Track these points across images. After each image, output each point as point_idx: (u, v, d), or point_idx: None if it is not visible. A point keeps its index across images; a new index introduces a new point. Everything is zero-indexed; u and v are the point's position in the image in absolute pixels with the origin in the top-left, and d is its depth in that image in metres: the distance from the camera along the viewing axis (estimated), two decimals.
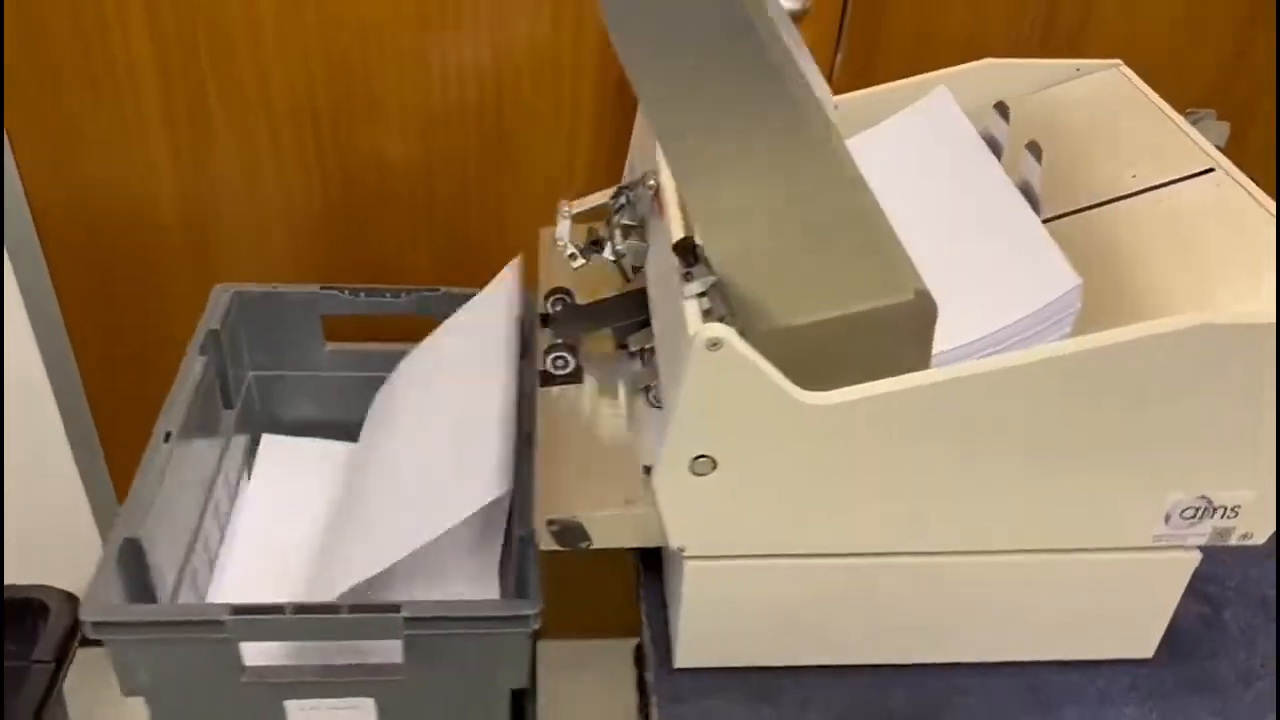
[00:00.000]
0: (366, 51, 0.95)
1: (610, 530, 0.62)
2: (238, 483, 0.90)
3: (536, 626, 0.65)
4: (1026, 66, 0.81)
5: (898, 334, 0.57)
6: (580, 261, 0.71)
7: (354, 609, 0.64)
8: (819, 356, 0.58)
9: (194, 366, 0.81)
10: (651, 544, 0.62)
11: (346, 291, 0.90)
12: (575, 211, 0.70)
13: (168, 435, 0.75)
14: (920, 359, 0.57)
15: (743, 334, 0.57)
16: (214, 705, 0.68)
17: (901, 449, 0.58)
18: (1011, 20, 0.99)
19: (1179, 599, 0.67)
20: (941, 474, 0.59)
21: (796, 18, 0.96)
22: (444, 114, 0.99)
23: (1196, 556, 0.65)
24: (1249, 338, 0.54)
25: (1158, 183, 0.70)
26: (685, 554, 0.62)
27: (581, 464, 0.65)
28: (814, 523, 0.61)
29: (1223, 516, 0.62)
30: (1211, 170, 0.68)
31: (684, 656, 0.68)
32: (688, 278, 0.56)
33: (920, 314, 0.56)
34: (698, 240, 0.56)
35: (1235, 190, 0.65)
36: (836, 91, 0.80)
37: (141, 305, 1.09)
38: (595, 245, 0.70)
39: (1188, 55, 0.99)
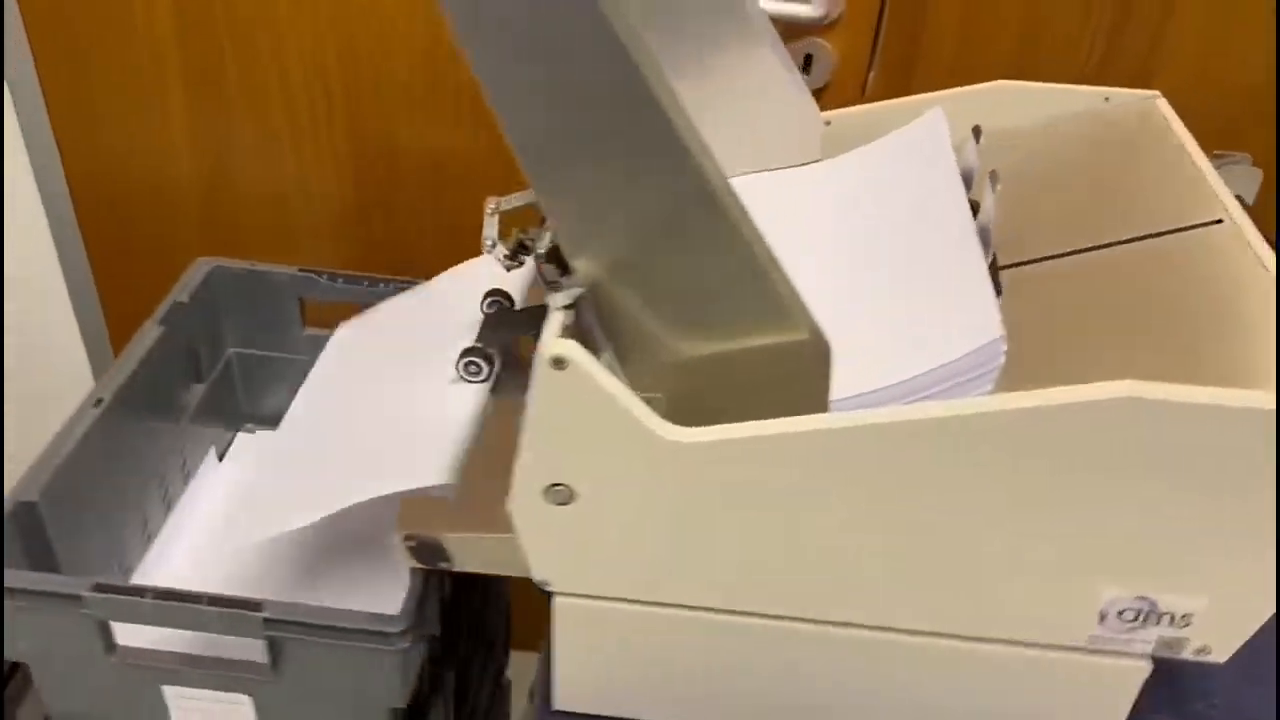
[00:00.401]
0: (380, 35, 0.94)
1: (473, 553, 0.57)
2: (202, 461, 0.89)
3: (405, 645, 0.61)
4: (1045, 91, 0.72)
5: (787, 376, 0.51)
6: (512, 264, 0.66)
7: (213, 600, 0.61)
8: (706, 393, 0.52)
9: (146, 337, 0.80)
10: (518, 573, 0.57)
11: (325, 276, 0.89)
12: (505, 208, 0.66)
13: (98, 401, 0.74)
14: (816, 404, 0.51)
15: (623, 360, 0.52)
16: (92, 681, 0.67)
17: (779, 501, 0.51)
18: (1067, 43, 0.90)
19: (1125, 715, 0.57)
20: (827, 534, 0.52)
21: (821, 27, 0.90)
22: (455, 100, 0.97)
23: (1146, 667, 0.55)
24: (1190, 419, 0.45)
25: (1153, 231, 0.61)
26: (551, 589, 0.57)
27: (463, 478, 0.60)
28: (688, 572, 0.55)
29: (1171, 624, 0.53)
30: (1220, 222, 0.58)
31: (561, 698, 0.62)
32: (554, 287, 0.51)
33: (812, 355, 0.50)
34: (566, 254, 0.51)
35: (1241, 248, 0.56)
36: None
37: (165, 276, 1.11)
38: (522, 248, 0.66)
39: (1267, 95, 0.88)
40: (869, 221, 0.63)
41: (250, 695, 0.66)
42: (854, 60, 0.91)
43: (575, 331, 0.51)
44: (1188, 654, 0.54)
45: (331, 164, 1.02)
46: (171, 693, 0.67)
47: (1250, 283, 0.54)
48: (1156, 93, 0.71)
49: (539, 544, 0.55)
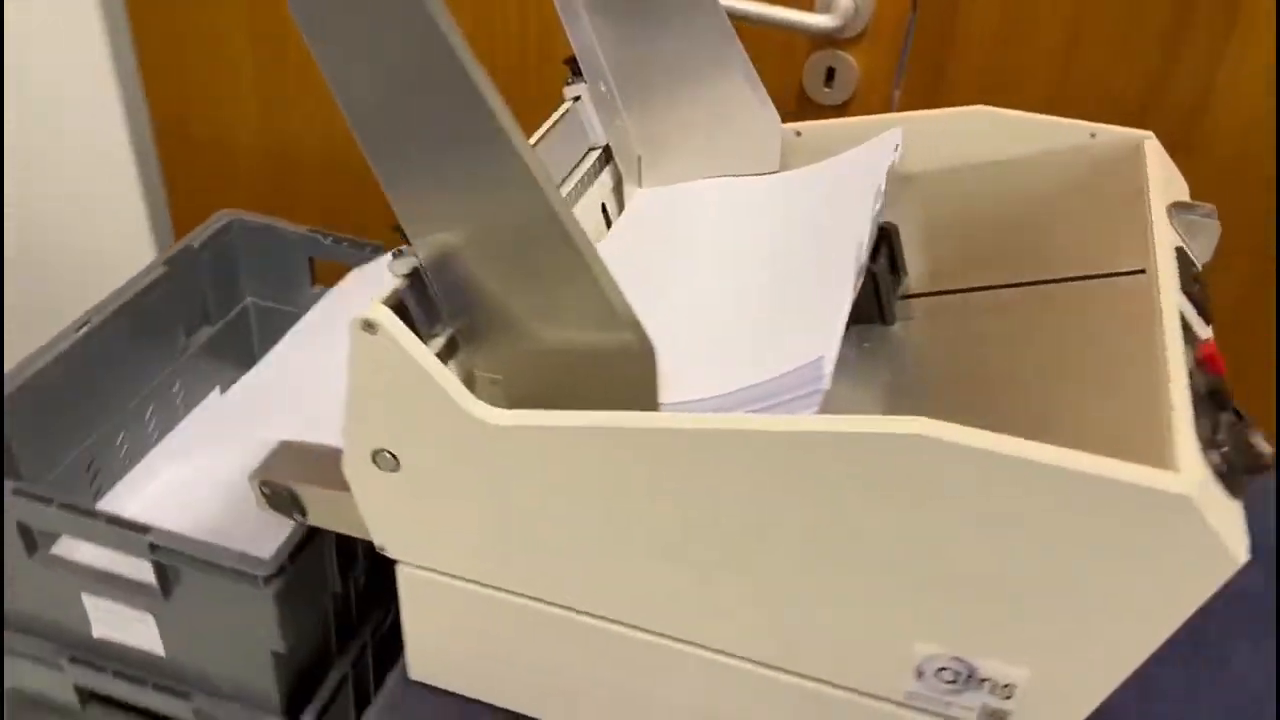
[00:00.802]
0: None
1: (324, 509, 0.59)
2: (205, 397, 0.94)
3: (274, 590, 0.63)
4: (1030, 122, 0.67)
5: (615, 376, 0.50)
6: None
7: (111, 519, 0.65)
8: (545, 382, 0.52)
9: (149, 274, 0.85)
10: (367, 537, 0.58)
11: (331, 239, 0.92)
12: None
13: (83, 324, 0.79)
14: (645, 406, 0.50)
15: (477, 338, 0.52)
16: (20, 581, 0.72)
17: (584, 496, 0.50)
18: (1110, 76, 0.84)
19: None
20: (633, 537, 0.50)
21: (844, 40, 0.87)
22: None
23: None
24: (984, 466, 0.42)
25: (1083, 274, 0.56)
26: (390, 555, 0.57)
27: None
28: (509, 557, 0.54)
29: (992, 692, 0.49)
30: (1142, 272, 0.54)
31: (414, 668, 0.63)
32: (397, 254, 0.52)
33: (636, 358, 0.49)
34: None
35: (1146, 303, 0.51)
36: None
37: None
38: None
39: None
40: (776, 235, 0.61)
41: (152, 614, 0.70)
42: (879, 75, 0.88)
43: (423, 301, 0.52)
44: None
45: None
46: (89, 601, 0.71)
47: (1137, 340, 0.49)
48: (1149, 133, 0.65)
49: (373, 508, 0.55)
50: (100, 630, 0.72)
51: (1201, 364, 0.47)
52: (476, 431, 0.50)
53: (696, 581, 0.51)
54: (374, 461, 0.53)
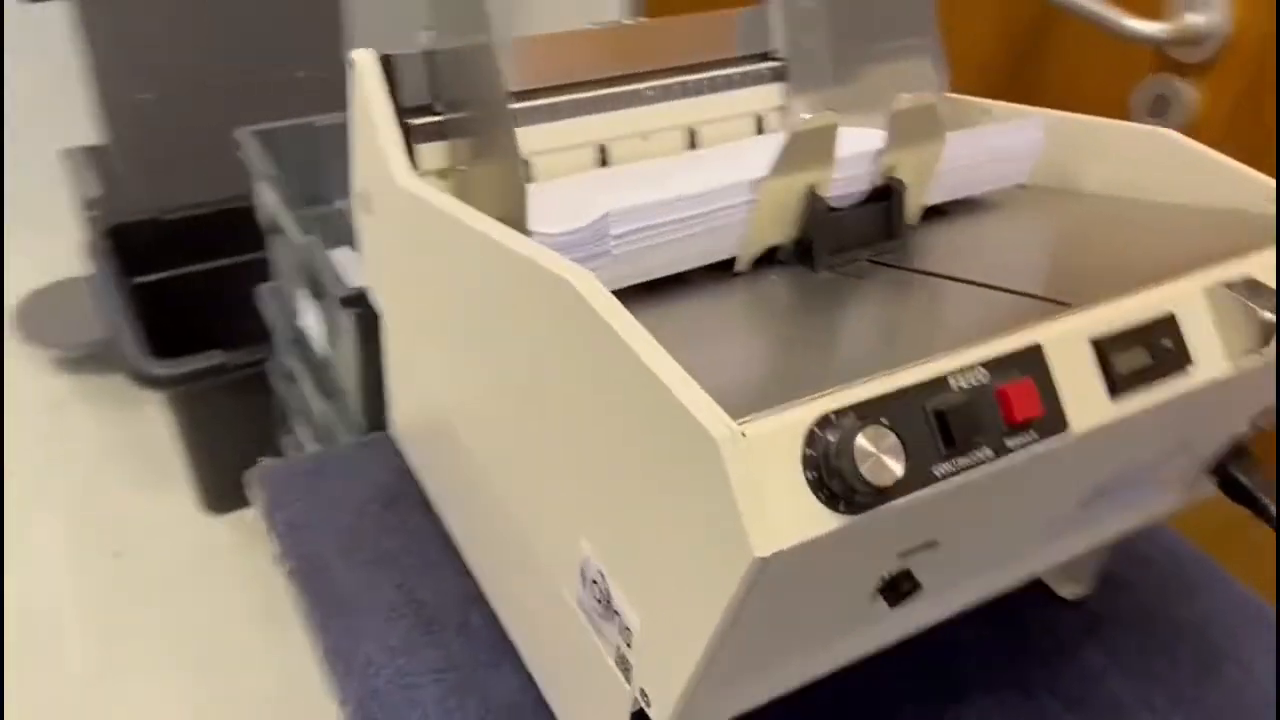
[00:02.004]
0: None
1: None
2: None
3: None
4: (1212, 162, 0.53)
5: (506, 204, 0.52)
6: None
7: None
8: (479, 191, 0.56)
9: None
10: None
11: None
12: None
13: None
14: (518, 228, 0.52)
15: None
16: None
17: (429, 268, 0.54)
18: None
19: None
20: (451, 315, 0.53)
21: (1189, 66, 0.73)
22: None
23: (621, 684, 0.46)
24: (613, 349, 0.38)
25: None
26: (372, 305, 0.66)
27: None
28: (406, 310, 0.60)
29: (621, 634, 0.44)
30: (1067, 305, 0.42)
31: (395, 425, 0.71)
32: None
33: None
34: None
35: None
36: None
37: None
38: None
39: None
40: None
41: None
42: (1219, 116, 0.71)
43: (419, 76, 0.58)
44: (633, 685, 0.44)
45: None
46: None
47: None
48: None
49: (365, 249, 0.64)
50: None
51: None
52: (392, 190, 0.56)
53: (483, 395, 0.52)
54: (360, 204, 0.61)
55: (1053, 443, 0.38)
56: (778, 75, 0.69)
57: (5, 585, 1.35)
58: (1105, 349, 0.40)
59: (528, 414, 0.48)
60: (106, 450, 1.56)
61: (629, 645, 0.43)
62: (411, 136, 0.58)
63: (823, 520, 0.34)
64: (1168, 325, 0.41)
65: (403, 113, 0.57)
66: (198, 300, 1.55)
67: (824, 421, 0.34)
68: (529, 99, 0.62)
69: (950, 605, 0.47)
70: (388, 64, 0.57)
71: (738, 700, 0.44)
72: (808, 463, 0.34)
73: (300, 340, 0.94)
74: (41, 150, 1.68)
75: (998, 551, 0.48)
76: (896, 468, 0.33)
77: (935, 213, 0.57)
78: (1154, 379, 0.41)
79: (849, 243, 0.52)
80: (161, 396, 1.39)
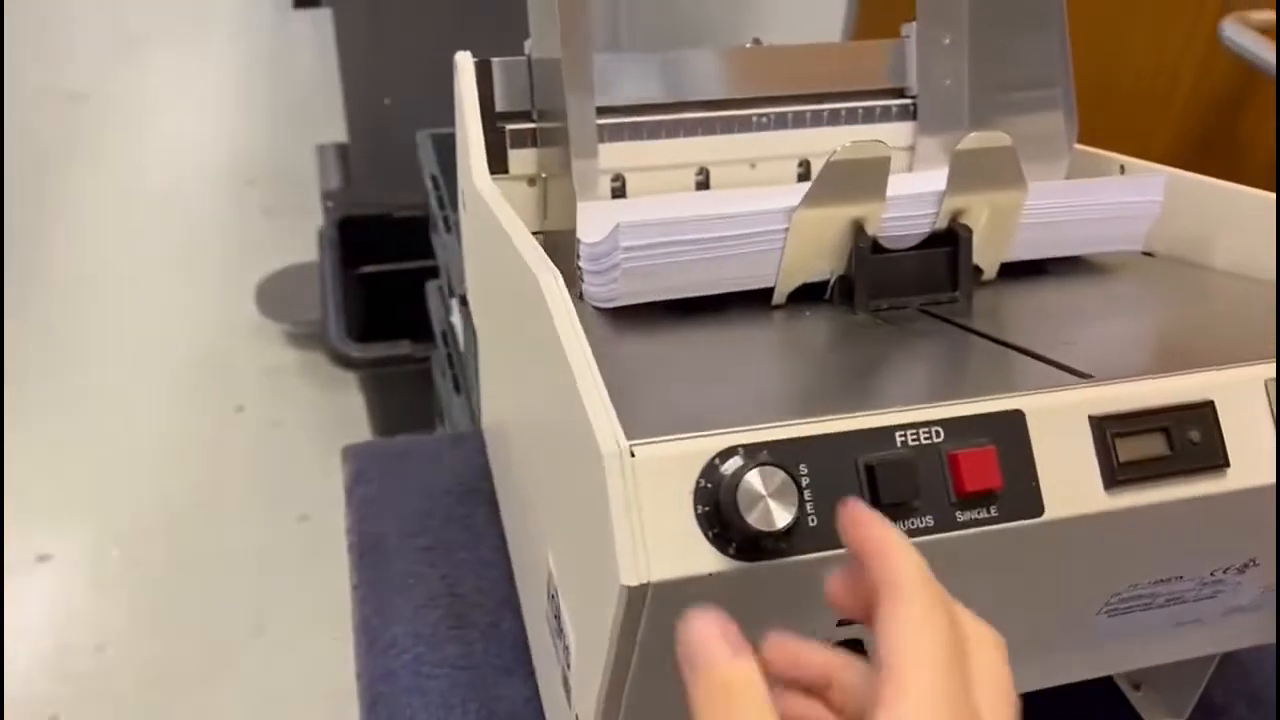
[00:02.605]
0: None
1: None
2: None
3: None
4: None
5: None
6: None
7: None
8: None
9: None
10: None
11: None
12: None
13: None
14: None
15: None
16: None
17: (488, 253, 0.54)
18: None
19: None
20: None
21: None
22: None
23: None
24: (555, 354, 0.37)
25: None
26: None
27: None
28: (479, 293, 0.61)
29: (563, 654, 0.42)
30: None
31: None
32: None
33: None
34: None
35: None
36: None
37: None
38: None
39: None
40: None
41: None
42: None
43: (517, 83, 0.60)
44: (573, 715, 0.42)
45: None
46: None
47: None
48: None
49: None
50: None
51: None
52: (471, 190, 0.57)
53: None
54: (460, 203, 0.63)
55: (1020, 527, 0.34)
56: (908, 114, 0.66)
57: (203, 533, 1.49)
58: (1106, 428, 0.34)
59: (528, 417, 0.47)
60: (308, 419, 1.69)
61: (569, 666, 0.42)
62: (506, 141, 0.59)
63: (707, 560, 0.31)
64: (1201, 414, 0.36)
65: (498, 117, 0.59)
66: (412, 294, 1.66)
67: (725, 454, 0.32)
68: (633, 115, 0.62)
69: None
70: (483, 68, 0.59)
71: None
72: (700, 495, 0.32)
73: (447, 335, 0.99)
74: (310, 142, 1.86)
75: None
76: (783, 515, 0.30)
77: (1033, 269, 0.52)
78: (1170, 474, 0.35)
79: (900, 287, 0.48)
80: (357, 376, 1.49)
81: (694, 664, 0.28)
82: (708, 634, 0.28)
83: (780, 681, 0.30)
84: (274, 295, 1.79)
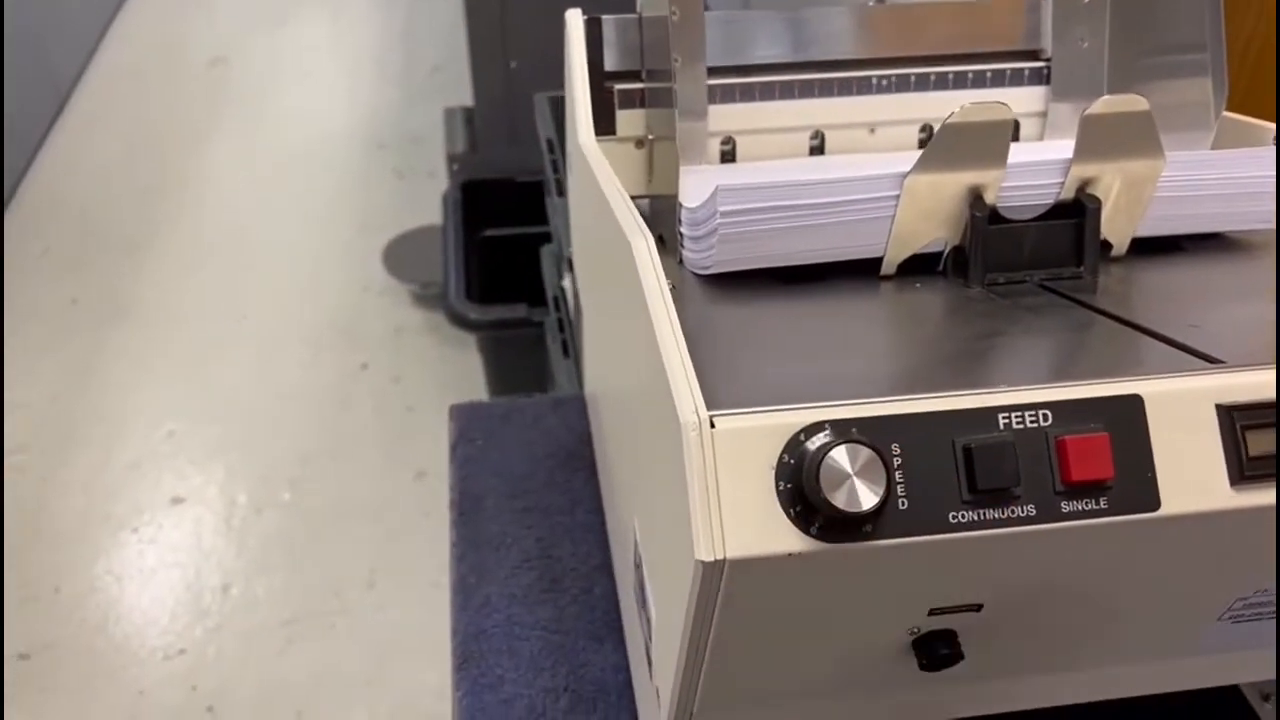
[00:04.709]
0: None
1: None
2: None
3: None
4: None
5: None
6: None
7: None
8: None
9: None
10: None
11: None
12: None
13: None
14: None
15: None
16: None
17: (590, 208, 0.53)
18: None
19: None
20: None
21: None
22: None
23: None
24: (646, 332, 0.36)
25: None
26: None
27: None
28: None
29: (645, 627, 0.41)
30: None
31: None
32: None
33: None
34: None
35: None
36: None
37: None
38: None
39: None
40: None
41: None
42: None
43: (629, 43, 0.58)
44: (654, 689, 0.41)
45: None
46: None
47: None
48: None
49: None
50: None
51: None
52: (576, 150, 0.56)
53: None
54: (567, 163, 0.63)
55: (1133, 521, 0.31)
56: (1041, 77, 0.62)
57: (324, 484, 1.54)
58: (1235, 419, 0.31)
59: (620, 383, 0.46)
60: (429, 379, 1.73)
61: (650, 640, 0.41)
62: (615, 101, 0.58)
63: (787, 539, 0.30)
64: None
65: (606, 76, 0.58)
66: (532, 258, 1.67)
67: (811, 429, 0.30)
68: (747, 75, 0.60)
69: (1018, 698, 0.40)
70: (593, 26, 0.57)
71: None
72: (782, 472, 0.30)
73: (559, 300, 0.99)
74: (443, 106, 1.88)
75: (1084, 646, 0.39)
76: (869, 496, 0.29)
77: (1168, 245, 0.48)
78: None
79: (1019, 260, 0.45)
80: (475, 337, 1.51)
81: None
82: None
83: None
84: (401, 256, 1.82)
